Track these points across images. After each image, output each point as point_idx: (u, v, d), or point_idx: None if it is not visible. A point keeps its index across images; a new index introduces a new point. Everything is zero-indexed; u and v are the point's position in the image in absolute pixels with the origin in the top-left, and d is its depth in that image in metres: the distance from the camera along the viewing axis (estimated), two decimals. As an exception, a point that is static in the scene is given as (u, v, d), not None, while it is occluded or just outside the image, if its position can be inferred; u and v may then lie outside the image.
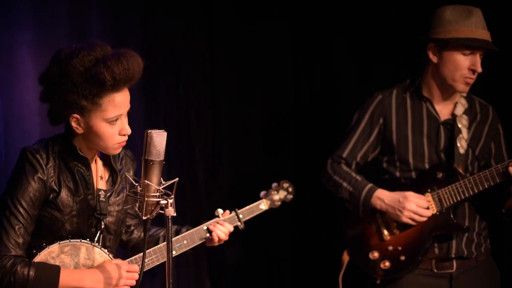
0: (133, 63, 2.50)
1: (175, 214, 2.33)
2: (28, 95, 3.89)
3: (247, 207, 3.10)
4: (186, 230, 2.94)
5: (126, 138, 2.58)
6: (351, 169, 3.46)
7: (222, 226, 2.95)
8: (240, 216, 3.05)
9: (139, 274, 2.55)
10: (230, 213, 3.04)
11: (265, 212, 3.16)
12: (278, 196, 3.21)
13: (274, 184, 3.23)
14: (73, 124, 2.54)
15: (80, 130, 2.56)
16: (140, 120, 4.36)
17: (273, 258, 4.94)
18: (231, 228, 2.99)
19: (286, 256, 4.95)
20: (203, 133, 4.79)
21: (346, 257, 3.47)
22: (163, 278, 4.31)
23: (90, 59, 2.47)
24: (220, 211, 3.01)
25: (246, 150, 4.90)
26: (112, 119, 2.52)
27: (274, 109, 4.92)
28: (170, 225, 2.33)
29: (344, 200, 3.45)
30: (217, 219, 2.98)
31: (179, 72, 4.66)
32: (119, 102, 2.52)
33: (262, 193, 3.19)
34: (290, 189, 3.25)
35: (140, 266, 2.53)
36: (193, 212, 4.39)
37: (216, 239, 2.94)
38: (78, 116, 2.53)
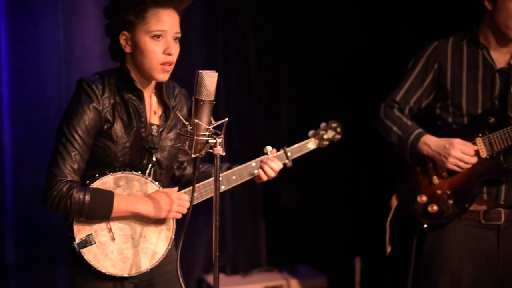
0: None
1: (224, 153, 2.37)
2: (90, 37, 4.00)
3: (296, 145, 3.12)
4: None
5: (170, 59, 2.64)
6: (403, 114, 3.46)
7: (271, 162, 2.98)
8: (289, 153, 3.08)
9: (188, 208, 2.63)
10: (278, 150, 3.07)
11: (313, 151, 3.18)
12: (327, 135, 3.21)
13: (323, 124, 3.23)
14: (122, 42, 2.65)
15: (128, 49, 2.66)
16: (200, 61, 4.44)
17: (326, 202, 5.01)
18: (280, 165, 3.01)
19: (339, 201, 5.01)
20: (263, 76, 4.83)
21: (394, 202, 3.49)
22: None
23: None
24: (268, 148, 3.05)
25: (303, 92, 4.94)
26: (155, 32, 2.61)
27: (332, 52, 4.93)
28: (218, 164, 2.37)
29: (393, 144, 3.47)
30: (266, 156, 3.02)
31: (238, 12, 4.69)
32: (162, 18, 2.62)
33: (311, 132, 3.20)
34: (338, 129, 3.25)
35: (193, 201, 2.59)
36: (250, 153, 4.49)
37: (264, 175, 2.98)
38: (126, 33, 2.64)
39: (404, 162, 3.46)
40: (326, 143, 3.22)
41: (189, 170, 3.05)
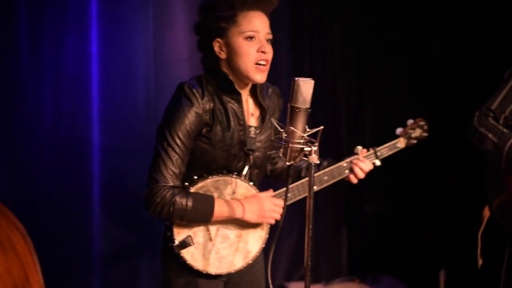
0: None
1: (318, 162, 2.35)
2: (178, 41, 4.04)
3: (385, 145, 3.12)
4: (328, 165, 3.00)
5: (265, 57, 2.66)
6: (498, 123, 3.36)
7: (361, 163, 2.98)
8: (378, 153, 3.08)
9: (283, 208, 2.60)
10: (368, 151, 3.07)
11: (402, 150, 3.16)
12: (414, 134, 3.19)
13: (410, 121, 3.21)
14: (216, 49, 2.68)
15: (223, 55, 2.68)
16: (286, 70, 4.43)
17: (411, 211, 4.92)
18: (370, 165, 3.02)
19: (424, 211, 4.91)
20: (347, 82, 4.80)
21: (487, 213, 3.39)
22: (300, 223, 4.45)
23: None
24: (359, 148, 3.05)
25: (388, 101, 4.88)
26: (248, 33, 2.64)
27: (417, 59, 4.85)
28: (312, 172, 2.35)
29: (487, 152, 3.35)
30: (356, 156, 3.02)
31: (323, 22, 4.68)
32: (253, 19, 2.65)
33: (399, 130, 3.19)
34: (425, 127, 3.22)
35: (286, 205, 2.58)
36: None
37: (354, 178, 2.99)
38: (220, 39, 2.67)
39: (498, 171, 3.34)
40: (414, 141, 3.21)
41: (280, 164, 3.10)
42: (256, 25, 2.66)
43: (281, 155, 2.40)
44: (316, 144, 2.37)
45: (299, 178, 2.97)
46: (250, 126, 2.78)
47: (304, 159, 2.37)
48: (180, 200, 2.58)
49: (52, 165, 3.87)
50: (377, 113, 4.93)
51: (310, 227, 2.38)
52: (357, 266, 4.95)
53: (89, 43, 3.87)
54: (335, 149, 4.68)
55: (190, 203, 2.59)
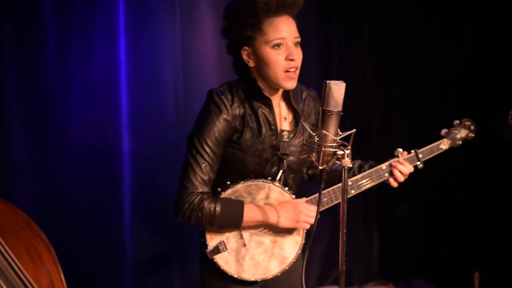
0: None
1: (351, 165, 2.34)
2: (206, 47, 4.03)
3: (427, 146, 3.02)
4: (369, 167, 2.94)
5: (294, 64, 2.62)
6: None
7: (401, 166, 2.91)
8: (420, 155, 2.99)
9: (316, 214, 2.57)
10: (409, 153, 2.99)
11: (445, 151, 3.07)
12: (460, 134, 3.09)
13: (456, 122, 3.11)
14: (245, 57, 2.66)
15: (251, 63, 2.66)
16: (315, 73, 4.41)
17: (443, 212, 4.86)
18: (411, 168, 2.94)
19: (457, 211, 4.84)
20: (377, 85, 4.76)
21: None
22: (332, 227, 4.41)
23: None
24: (399, 150, 2.97)
25: (418, 102, 4.84)
26: (275, 42, 2.60)
27: (446, 61, 4.81)
28: (345, 176, 2.32)
29: None
30: (396, 158, 2.94)
31: (352, 26, 4.65)
32: (279, 26, 2.61)
33: (443, 131, 3.09)
34: (472, 127, 3.12)
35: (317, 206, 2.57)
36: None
37: (394, 181, 2.92)
38: (247, 48, 2.64)
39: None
40: (459, 142, 3.10)
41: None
42: (283, 32, 2.62)
43: (313, 159, 2.38)
44: (349, 147, 2.34)
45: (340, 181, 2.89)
46: (283, 130, 2.75)
47: (337, 163, 2.35)
48: (209, 206, 2.58)
49: (83, 173, 3.88)
50: (407, 114, 4.88)
51: (344, 231, 2.36)
52: (388, 269, 4.89)
53: (117, 51, 3.88)
54: (365, 152, 4.63)
55: (218, 208, 2.59)
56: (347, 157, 2.32)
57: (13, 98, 3.63)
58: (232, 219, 2.61)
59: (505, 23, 4.47)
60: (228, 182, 2.69)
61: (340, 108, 2.32)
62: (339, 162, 2.33)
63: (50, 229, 2.35)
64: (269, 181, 2.71)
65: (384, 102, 4.84)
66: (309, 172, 3.06)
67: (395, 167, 2.91)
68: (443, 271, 4.86)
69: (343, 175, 2.32)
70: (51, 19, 3.73)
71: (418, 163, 2.98)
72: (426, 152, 3.02)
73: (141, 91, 3.97)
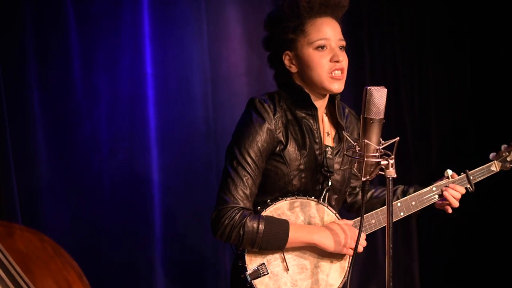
0: None
1: (395, 176, 2.20)
2: (235, 56, 3.94)
3: (478, 168, 2.89)
4: (414, 191, 2.79)
5: (339, 66, 2.49)
6: None
7: (454, 191, 2.75)
8: (471, 177, 2.84)
9: (357, 237, 2.42)
10: (459, 174, 2.84)
11: (495, 174, 2.94)
12: (510, 157, 2.94)
13: (504, 146, 2.98)
14: (287, 63, 2.54)
15: (294, 68, 2.53)
16: (346, 83, 4.30)
17: (487, 223, 4.70)
18: (463, 191, 2.79)
19: (502, 218, 4.68)
20: (410, 94, 4.69)
21: None
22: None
23: None
24: (449, 172, 2.82)
25: (452, 112, 4.74)
26: (318, 42, 2.48)
27: (481, 67, 4.70)
28: (390, 187, 2.20)
29: None
30: (447, 180, 2.80)
31: (386, 34, 4.58)
32: (322, 27, 2.49)
33: (492, 155, 2.96)
34: None
35: (362, 229, 2.41)
36: (402, 174, 4.31)
37: (448, 207, 2.77)
38: (289, 52, 2.52)
39: None
40: (509, 165, 2.96)
41: (361, 195, 2.86)
42: (326, 33, 2.49)
43: (355, 170, 2.25)
44: (393, 156, 2.21)
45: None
46: (327, 146, 2.59)
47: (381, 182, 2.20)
48: (251, 223, 2.39)
49: (111, 190, 3.77)
50: (442, 121, 4.77)
51: (391, 246, 2.25)
52: (429, 282, 4.73)
53: (143, 63, 3.78)
54: (401, 163, 4.52)
55: (262, 226, 2.39)
56: (391, 167, 2.21)
57: (38, 116, 3.53)
58: (276, 239, 2.40)
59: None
60: (269, 201, 2.50)
61: (382, 116, 2.20)
62: (382, 173, 2.21)
63: (77, 250, 2.24)
64: (314, 199, 2.53)
65: (419, 110, 4.73)
66: (349, 199, 2.87)
67: (448, 193, 2.75)
68: (487, 283, 4.71)
69: (387, 186, 2.20)
70: (74, 35, 3.64)
71: (469, 186, 2.84)
72: (477, 174, 2.88)
73: (169, 103, 3.86)
